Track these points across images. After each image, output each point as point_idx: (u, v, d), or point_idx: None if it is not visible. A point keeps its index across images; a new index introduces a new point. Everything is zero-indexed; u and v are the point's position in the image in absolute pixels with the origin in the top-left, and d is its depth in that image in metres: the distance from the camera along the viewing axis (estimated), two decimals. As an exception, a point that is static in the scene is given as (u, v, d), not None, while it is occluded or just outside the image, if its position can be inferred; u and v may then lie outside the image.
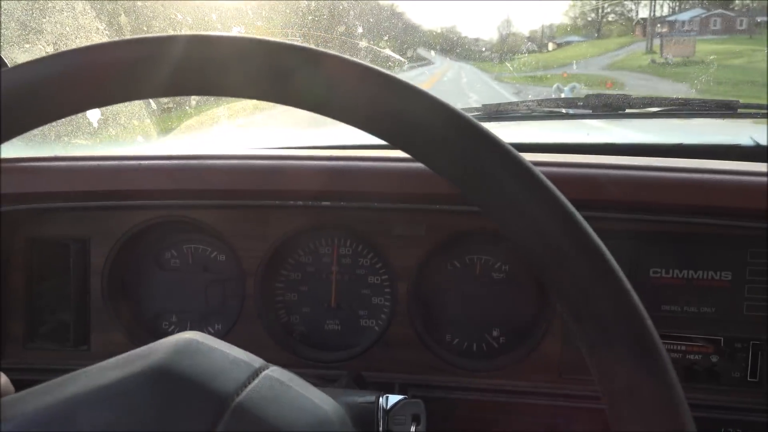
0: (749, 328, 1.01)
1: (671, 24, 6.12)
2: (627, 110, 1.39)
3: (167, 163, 1.04)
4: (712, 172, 0.97)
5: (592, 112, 1.41)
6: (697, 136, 1.38)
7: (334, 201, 1.05)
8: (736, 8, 7.05)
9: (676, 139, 1.34)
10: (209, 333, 1.01)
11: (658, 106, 1.38)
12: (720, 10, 7.18)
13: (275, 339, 1.11)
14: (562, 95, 3.29)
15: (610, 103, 1.38)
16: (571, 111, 1.42)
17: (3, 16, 1.03)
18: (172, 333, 0.86)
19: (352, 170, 1.02)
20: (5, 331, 1.13)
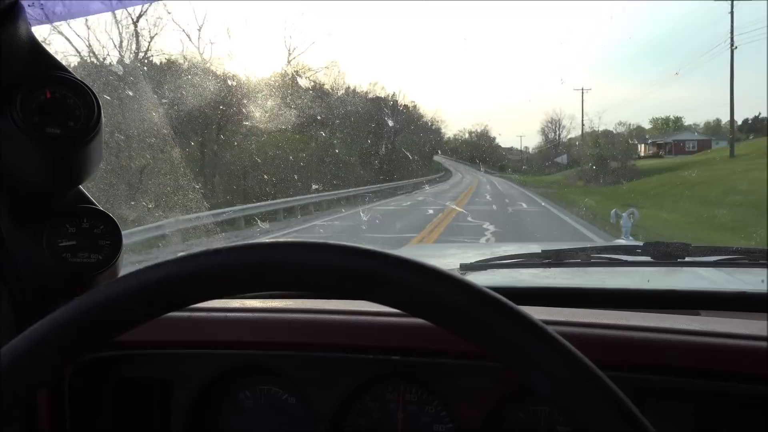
0: None
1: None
2: (687, 258, 1.41)
3: (250, 316, 1.13)
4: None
5: (651, 259, 1.44)
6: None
7: (404, 356, 1.10)
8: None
9: (738, 286, 1.35)
10: None
11: (718, 255, 1.40)
12: None
13: None
14: (621, 221, 3.33)
15: (669, 252, 1.41)
16: (630, 259, 1.45)
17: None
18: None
19: (423, 327, 1.07)
20: None
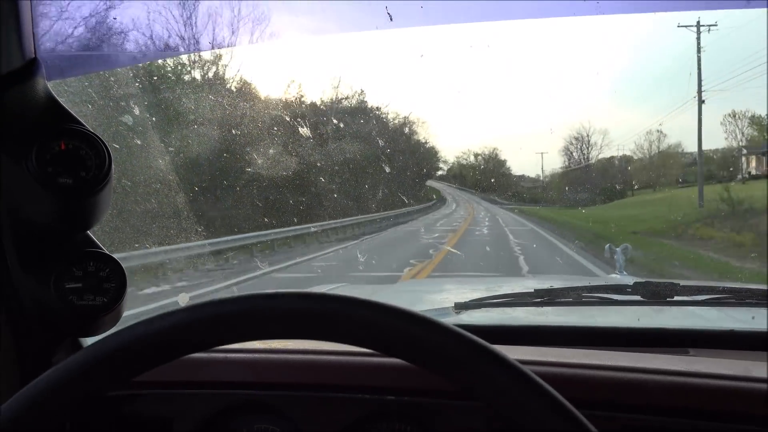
0: None
1: None
2: (676, 297, 1.44)
3: (250, 357, 1.16)
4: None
5: (641, 298, 1.47)
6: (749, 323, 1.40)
7: (399, 395, 1.12)
8: None
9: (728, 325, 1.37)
10: None
11: (707, 294, 1.43)
12: None
13: None
14: (615, 256, 3.36)
15: (658, 291, 1.44)
16: (620, 298, 1.49)
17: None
18: None
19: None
20: None
